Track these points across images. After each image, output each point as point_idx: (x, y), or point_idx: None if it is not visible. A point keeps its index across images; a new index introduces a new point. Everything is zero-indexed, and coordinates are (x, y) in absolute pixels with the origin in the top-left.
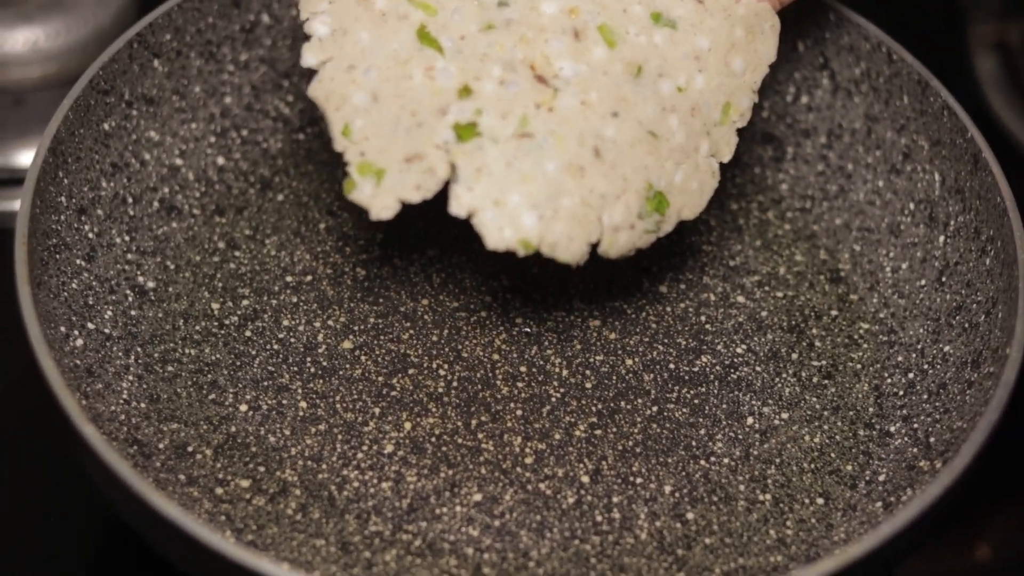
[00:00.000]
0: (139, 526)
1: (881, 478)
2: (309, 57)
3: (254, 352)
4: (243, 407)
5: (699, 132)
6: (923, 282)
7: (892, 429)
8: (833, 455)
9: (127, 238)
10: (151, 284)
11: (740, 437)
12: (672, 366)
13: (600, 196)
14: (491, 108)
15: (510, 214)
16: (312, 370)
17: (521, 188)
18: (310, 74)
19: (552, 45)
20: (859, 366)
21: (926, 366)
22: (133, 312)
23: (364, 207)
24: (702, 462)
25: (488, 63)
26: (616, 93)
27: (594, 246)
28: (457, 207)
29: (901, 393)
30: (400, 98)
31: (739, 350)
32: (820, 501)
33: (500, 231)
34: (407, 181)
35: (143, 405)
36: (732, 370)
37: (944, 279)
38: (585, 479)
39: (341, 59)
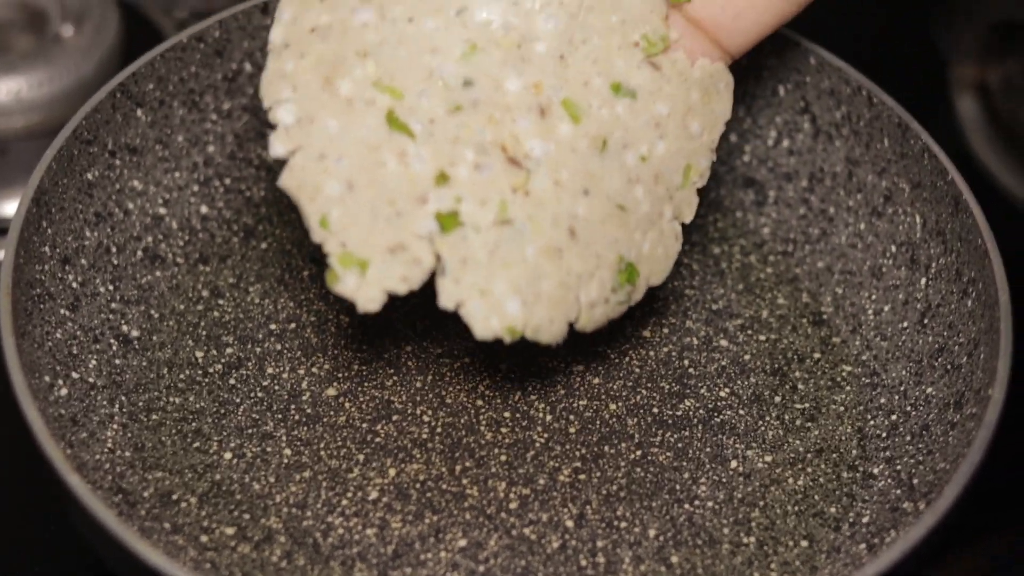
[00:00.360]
0: (125, 574)
1: (865, 520)
2: (278, 147)
3: (238, 400)
4: (228, 455)
5: (663, 198)
6: (905, 324)
7: (875, 471)
8: (817, 497)
9: (111, 287)
10: (135, 333)
11: (724, 480)
12: (655, 410)
13: (577, 276)
14: (469, 195)
15: (495, 303)
16: (296, 417)
17: (504, 275)
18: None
19: (520, 124)
20: (842, 408)
21: (909, 408)
22: (117, 361)
23: (349, 299)
24: (686, 506)
25: (460, 146)
26: (585, 169)
27: (571, 323)
28: (446, 300)
29: (884, 435)
30: (376, 186)
31: (722, 393)
32: (804, 543)
33: (487, 320)
34: (392, 272)
35: (128, 454)
36: (715, 414)
37: (926, 321)
38: (569, 523)
39: (310, 148)
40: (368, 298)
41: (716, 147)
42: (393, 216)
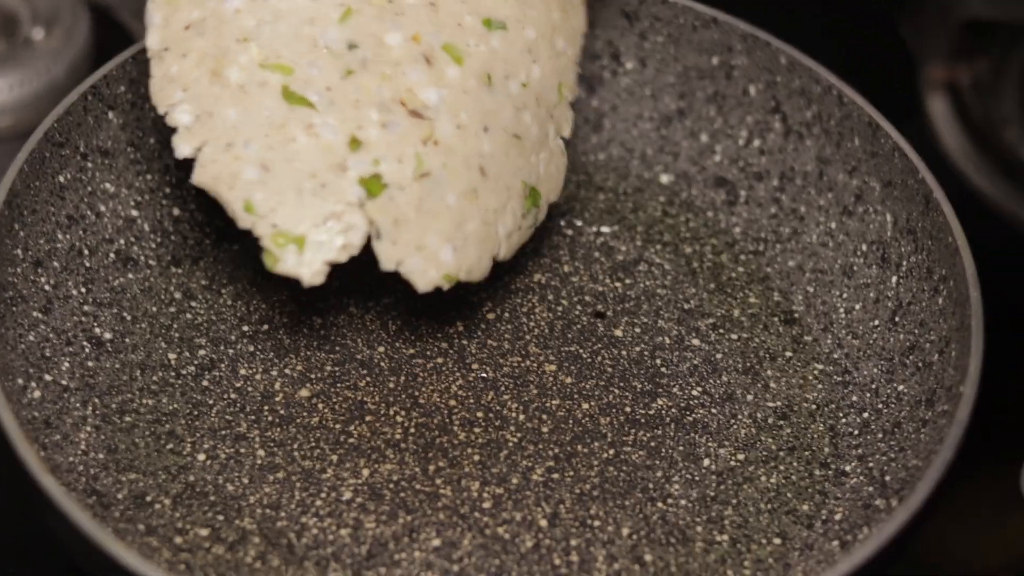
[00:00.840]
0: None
1: (837, 517)
2: (183, 148)
3: (211, 401)
4: (201, 456)
5: (546, 119)
6: (876, 322)
7: (848, 468)
8: (790, 495)
9: (83, 290)
10: (108, 335)
11: (697, 479)
12: (628, 409)
13: (493, 211)
14: (386, 155)
15: (430, 255)
16: (270, 418)
17: (434, 227)
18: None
19: (411, 76)
20: (814, 406)
21: (880, 405)
22: (90, 363)
23: (293, 277)
24: (659, 504)
25: (363, 109)
26: (480, 107)
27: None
28: (387, 262)
29: (856, 432)
30: (292, 162)
31: (695, 392)
32: (777, 541)
33: (425, 274)
34: (331, 243)
35: (101, 456)
36: (688, 412)
37: (897, 319)
38: (543, 523)
39: (215, 140)
40: (313, 272)
41: (579, 60)
42: (318, 188)
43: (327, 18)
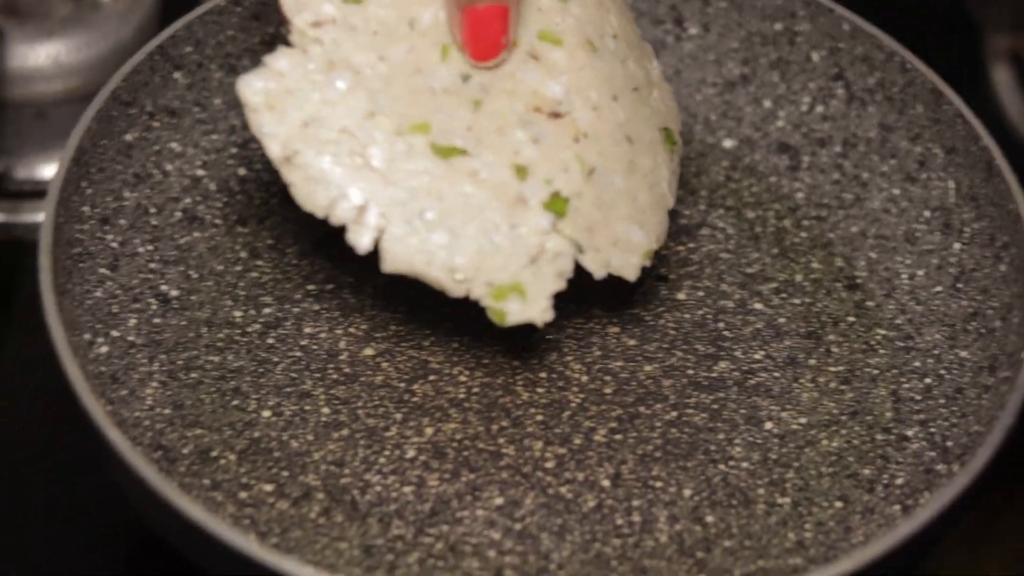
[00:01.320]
0: (164, 530)
1: (899, 481)
2: (364, 241)
3: (277, 359)
4: (266, 413)
5: (641, 58)
6: (939, 288)
7: (909, 433)
8: (851, 459)
9: (150, 247)
10: (174, 293)
11: (759, 442)
12: (691, 372)
13: (652, 172)
14: (552, 170)
15: (626, 244)
16: (334, 376)
17: (618, 216)
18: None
19: (530, 78)
20: (876, 371)
21: (943, 371)
22: (157, 320)
23: (529, 323)
24: (721, 466)
25: (509, 132)
26: (600, 78)
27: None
28: (599, 271)
29: (918, 398)
30: (473, 217)
31: (757, 356)
32: (839, 504)
33: (630, 264)
34: (547, 277)
35: (167, 411)
36: (750, 376)
37: (960, 285)
38: (605, 483)
39: (392, 223)
40: (542, 310)
41: None
42: (511, 231)
43: (430, 62)
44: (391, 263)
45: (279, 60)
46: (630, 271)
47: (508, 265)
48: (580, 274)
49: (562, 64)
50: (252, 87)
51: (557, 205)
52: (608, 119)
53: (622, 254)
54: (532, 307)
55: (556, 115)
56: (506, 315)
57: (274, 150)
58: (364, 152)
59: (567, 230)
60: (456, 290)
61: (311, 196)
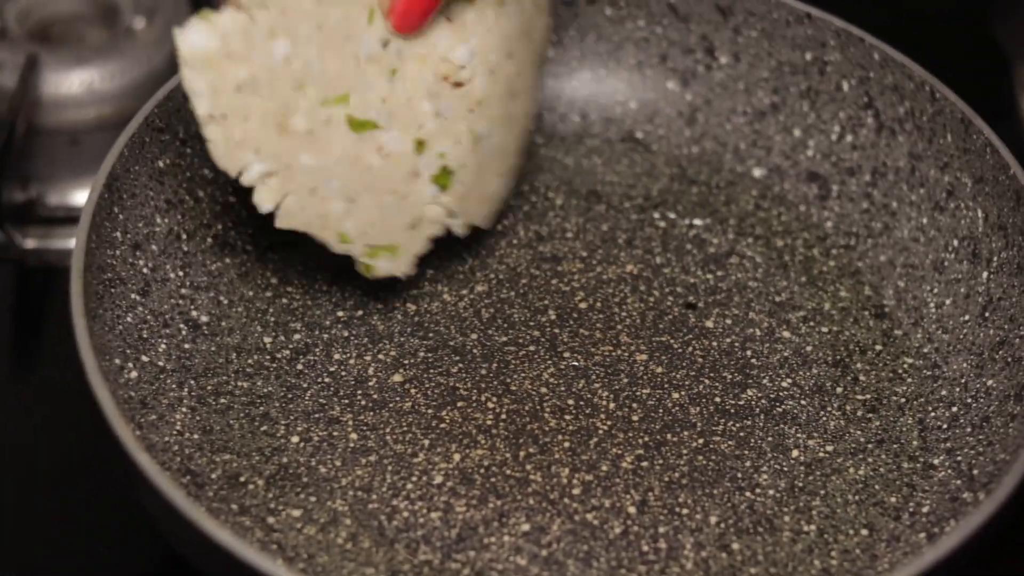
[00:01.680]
0: (192, 555)
1: (925, 509)
2: (266, 204)
3: (305, 385)
4: (295, 439)
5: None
6: (967, 317)
7: (936, 462)
8: (877, 487)
9: (181, 273)
10: (204, 318)
11: (785, 469)
12: (718, 399)
13: (524, 117)
14: (445, 144)
15: (488, 197)
16: (363, 402)
17: (490, 175)
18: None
19: (441, 44)
20: (903, 400)
21: (969, 400)
22: (187, 345)
23: (391, 276)
24: (747, 494)
25: (416, 104)
26: (501, 36)
27: None
28: (463, 232)
29: (945, 426)
30: (372, 187)
31: (784, 384)
32: (864, 532)
33: (486, 214)
34: (419, 241)
35: (196, 436)
36: (777, 403)
37: (987, 314)
38: (632, 510)
39: (298, 188)
40: (405, 265)
41: None
42: (400, 200)
43: (358, 26)
44: (282, 222)
45: (225, 20)
46: (486, 222)
47: (391, 231)
48: (610, 303)
49: (470, 26)
50: (192, 42)
51: (443, 179)
52: (500, 80)
53: (481, 205)
54: (400, 264)
55: (459, 84)
56: (374, 268)
57: (202, 109)
58: (287, 122)
59: (446, 199)
60: (338, 249)
61: (227, 157)
